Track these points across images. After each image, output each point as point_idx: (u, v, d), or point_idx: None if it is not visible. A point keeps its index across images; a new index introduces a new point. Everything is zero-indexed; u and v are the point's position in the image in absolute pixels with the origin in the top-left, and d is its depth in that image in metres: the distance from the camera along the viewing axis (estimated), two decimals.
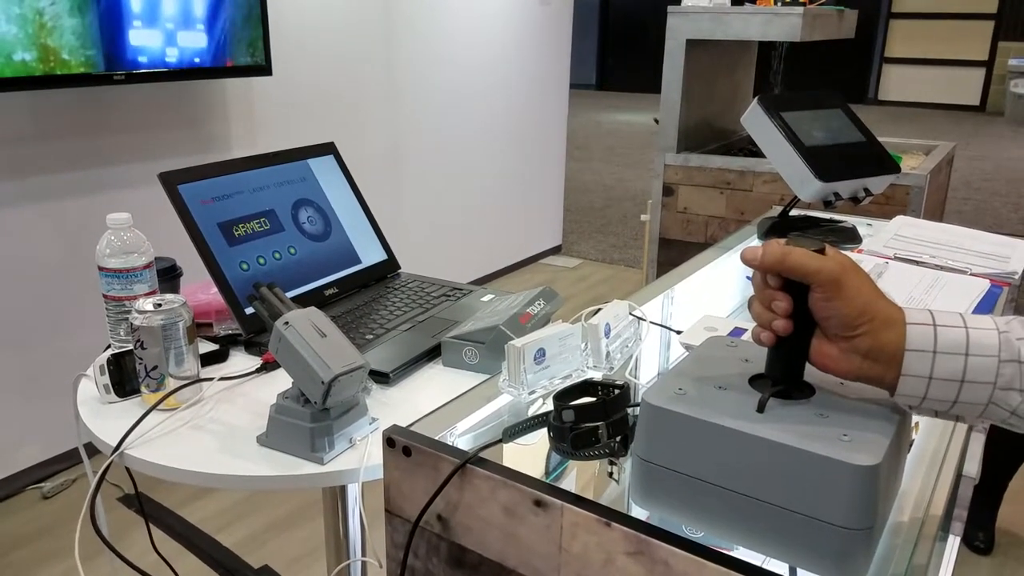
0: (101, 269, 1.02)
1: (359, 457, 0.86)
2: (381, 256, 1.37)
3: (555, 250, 4.83)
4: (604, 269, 4.63)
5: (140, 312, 0.91)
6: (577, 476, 0.86)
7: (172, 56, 2.27)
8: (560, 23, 4.44)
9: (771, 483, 0.57)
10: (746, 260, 0.60)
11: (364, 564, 1.17)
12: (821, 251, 0.59)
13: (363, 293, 1.29)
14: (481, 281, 4.06)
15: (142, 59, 2.20)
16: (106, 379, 0.95)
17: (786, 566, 0.59)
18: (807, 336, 0.61)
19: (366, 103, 3.25)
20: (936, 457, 0.77)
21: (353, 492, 1.13)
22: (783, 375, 0.62)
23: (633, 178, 7.25)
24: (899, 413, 0.61)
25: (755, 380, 0.64)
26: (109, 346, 1.06)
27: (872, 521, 0.55)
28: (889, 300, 0.61)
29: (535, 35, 4.22)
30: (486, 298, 1.26)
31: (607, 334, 0.92)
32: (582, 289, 4.21)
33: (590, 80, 13.94)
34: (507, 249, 4.38)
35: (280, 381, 0.97)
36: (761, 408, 0.59)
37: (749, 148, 2.93)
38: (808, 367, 0.62)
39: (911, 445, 0.72)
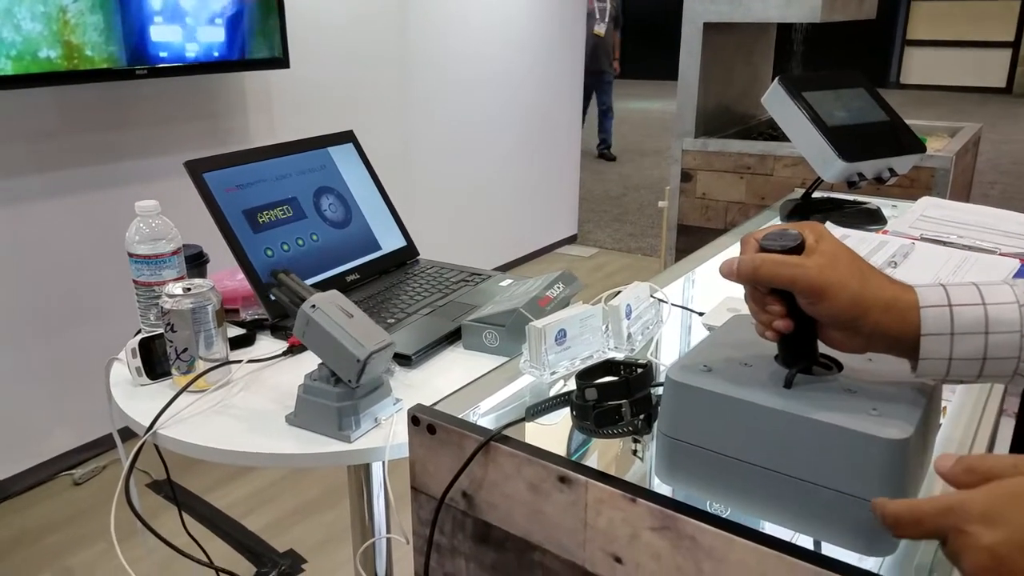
0: (131, 255, 1.04)
1: (384, 436, 0.87)
2: (400, 243, 1.38)
3: (571, 239, 4.83)
4: (621, 258, 4.62)
5: (170, 296, 0.93)
6: (598, 458, 0.86)
7: (192, 51, 2.29)
8: (575, 11, 4.41)
9: (799, 458, 0.56)
10: (724, 274, 0.60)
11: (389, 541, 1.19)
12: (799, 247, 0.58)
13: (383, 279, 1.30)
14: (496, 271, 4.07)
15: (163, 54, 2.22)
16: (138, 362, 0.97)
17: (813, 540, 0.59)
18: (811, 327, 0.60)
19: (382, 94, 3.26)
20: (964, 442, 0.76)
21: (377, 472, 1.14)
22: (796, 363, 0.61)
23: (650, 166, 7.22)
24: (929, 387, 0.60)
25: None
26: (139, 331, 1.08)
27: (902, 496, 0.55)
28: (884, 279, 0.59)
29: (549, 23, 4.20)
30: (505, 283, 1.27)
31: (628, 315, 0.92)
32: (599, 278, 4.20)
33: None
34: (522, 239, 4.38)
35: (305, 363, 0.98)
36: (788, 384, 0.59)
37: (769, 132, 2.91)
38: None
39: (938, 429, 0.71)
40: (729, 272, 0.59)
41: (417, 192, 3.50)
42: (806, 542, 0.59)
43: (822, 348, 0.62)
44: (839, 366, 0.63)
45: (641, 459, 0.74)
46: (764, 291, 0.60)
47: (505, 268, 4.18)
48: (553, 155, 4.47)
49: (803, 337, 0.60)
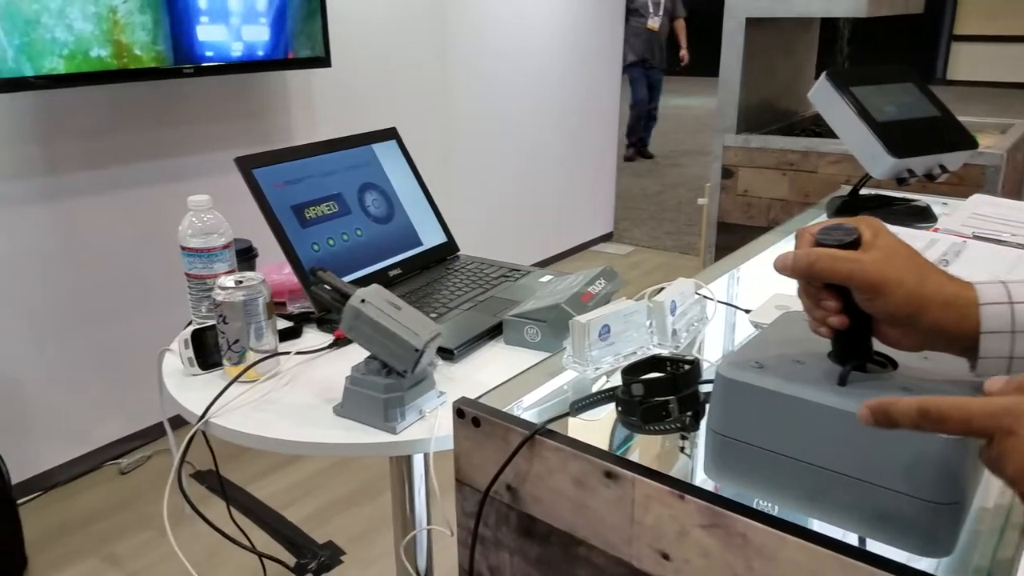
0: (184, 249, 1.06)
1: (429, 428, 0.88)
2: (441, 238, 1.39)
3: (606, 237, 4.81)
4: (658, 256, 4.59)
5: (223, 288, 0.95)
6: (640, 455, 0.86)
7: (237, 50, 2.33)
8: (613, 6, 4.39)
9: (854, 456, 0.56)
10: (778, 269, 0.59)
11: (431, 533, 1.20)
12: (855, 242, 0.57)
13: (425, 274, 1.31)
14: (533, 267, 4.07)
15: (209, 53, 2.27)
16: (190, 352, 0.99)
17: (867, 540, 0.58)
18: (866, 323, 0.59)
19: (421, 92, 3.28)
20: None
21: (419, 464, 1.15)
22: (852, 355, 0.61)
23: (688, 163, 7.15)
24: None
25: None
26: (190, 322, 1.10)
27: (961, 496, 0.54)
28: (943, 275, 0.58)
29: (587, 20, 4.19)
30: (545, 278, 1.27)
31: (673, 312, 0.91)
32: (636, 276, 4.18)
33: None
34: (558, 236, 4.38)
35: (351, 356, 0.99)
36: (843, 381, 0.58)
37: (812, 128, 2.86)
38: None
39: None
40: (784, 266, 0.59)
41: (453, 188, 3.52)
42: (855, 540, 0.58)
43: (877, 346, 0.61)
44: (894, 364, 0.62)
45: (689, 456, 0.74)
46: (819, 286, 0.59)
47: (541, 265, 4.18)
48: (590, 152, 4.45)
49: (858, 334, 0.59)
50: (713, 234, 2.74)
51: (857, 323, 0.58)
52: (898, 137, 1.32)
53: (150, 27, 2.12)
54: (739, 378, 0.60)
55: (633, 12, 6.22)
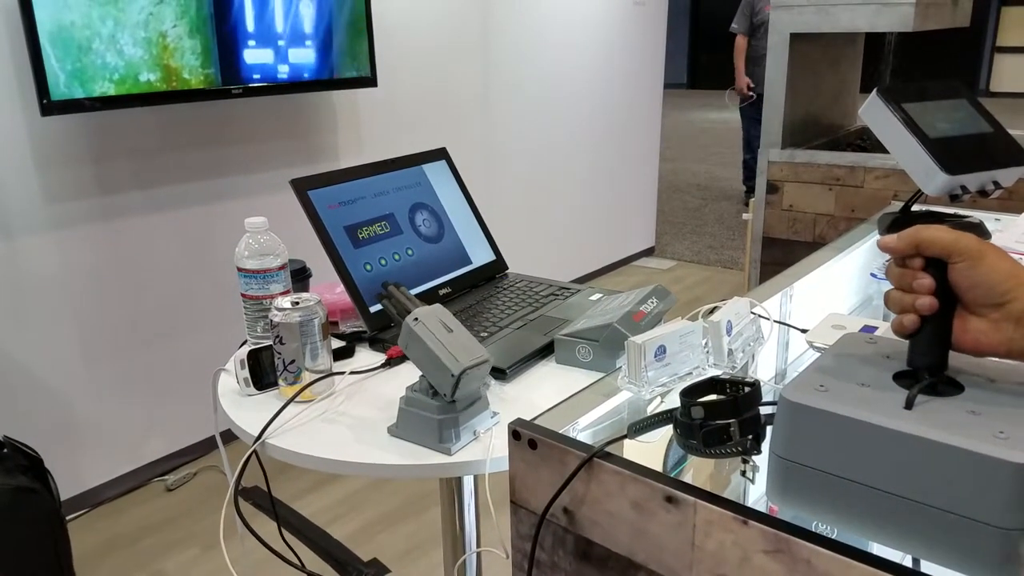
0: (240, 270, 1.08)
1: (483, 449, 0.88)
2: (490, 257, 1.40)
3: (648, 252, 4.78)
4: (700, 271, 4.55)
5: (279, 309, 0.97)
6: (694, 477, 0.85)
7: (283, 72, 2.39)
8: (655, 23, 4.40)
9: (921, 481, 0.55)
10: (883, 245, 0.62)
11: (480, 555, 1.20)
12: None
13: (474, 292, 1.32)
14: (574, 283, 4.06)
15: (256, 76, 2.32)
16: (246, 372, 1.01)
17: (936, 567, 0.57)
18: (949, 318, 0.60)
19: (464, 110, 3.31)
20: None
21: (468, 484, 1.16)
22: (929, 363, 0.61)
23: (728, 177, 7.10)
24: None
25: (899, 377, 0.62)
26: (245, 342, 1.12)
27: None
28: None
29: (629, 36, 4.19)
30: (594, 296, 1.27)
31: (728, 332, 0.91)
32: (679, 291, 4.15)
33: (681, 79, 13.72)
34: (599, 251, 4.37)
35: (404, 375, 1.00)
36: (910, 404, 0.57)
37: (858, 143, 2.82)
38: (954, 356, 0.61)
39: None
40: (888, 242, 0.61)
41: (495, 203, 3.54)
42: (926, 567, 0.57)
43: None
44: (960, 388, 0.61)
45: (752, 481, 0.73)
46: (916, 266, 0.60)
47: (582, 280, 4.17)
48: (631, 167, 4.45)
49: (938, 335, 0.60)
50: (758, 249, 2.71)
51: (941, 316, 0.59)
52: (951, 154, 1.29)
53: (199, 51, 2.18)
54: (804, 402, 0.59)
55: (757, 29, 5.17)
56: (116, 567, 2.10)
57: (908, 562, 0.56)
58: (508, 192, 3.63)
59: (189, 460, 2.56)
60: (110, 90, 2.03)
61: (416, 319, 0.86)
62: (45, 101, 1.92)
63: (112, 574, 2.07)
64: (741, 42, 5.39)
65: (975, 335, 0.59)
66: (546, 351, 1.10)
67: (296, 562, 1.12)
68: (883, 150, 1.42)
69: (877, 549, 0.57)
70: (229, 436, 1.01)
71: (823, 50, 2.86)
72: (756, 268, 2.69)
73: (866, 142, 2.78)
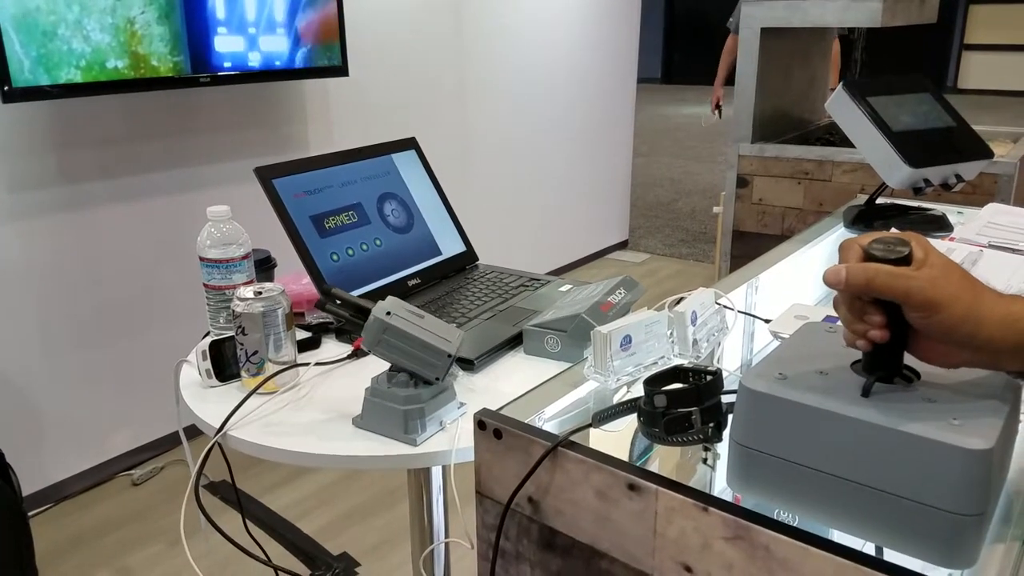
0: (202, 259, 1.07)
1: (449, 439, 0.88)
2: (460, 248, 1.39)
3: (621, 245, 4.81)
4: (672, 264, 4.58)
5: (241, 299, 0.95)
6: (660, 465, 0.85)
7: (254, 60, 2.36)
8: (629, 17, 4.40)
9: (878, 468, 0.56)
10: (829, 283, 0.58)
11: (448, 545, 1.20)
12: (907, 257, 0.57)
13: (444, 283, 1.32)
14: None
15: (227, 64, 2.29)
16: (208, 364, 1.00)
17: (884, 550, 0.58)
18: (904, 339, 0.59)
19: (438, 101, 3.30)
20: None
21: (436, 475, 1.15)
22: (882, 376, 0.60)
23: (701, 171, 7.15)
24: (1009, 397, 0.59)
25: (857, 365, 0.63)
26: (208, 333, 1.11)
27: (984, 507, 0.54)
28: (994, 292, 0.57)
29: (603, 29, 4.20)
30: (564, 288, 1.27)
31: (693, 322, 0.91)
32: (651, 284, 4.18)
33: (655, 73, 13.78)
34: (573, 244, 4.38)
35: (370, 366, 0.99)
36: (867, 392, 0.58)
37: (826, 137, 2.85)
38: None
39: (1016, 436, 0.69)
40: (837, 280, 0.57)
41: (469, 196, 3.53)
42: (882, 554, 0.58)
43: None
44: (917, 375, 0.62)
45: (712, 468, 0.74)
46: (866, 300, 0.58)
47: (555, 273, 4.18)
48: (605, 161, 4.46)
49: (893, 348, 0.59)
50: (728, 243, 2.74)
51: (895, 338, 0.58)
52: (915, 147, 1.32)
53: (168, 38, 2.14)
54: (763, 389, 0.60)
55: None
56: (80, 563, 2.07)
57: (869, 548, 0.57)
58: (482, 185, 3.62)
59: (156, 454, 2.53)
60: (76, 77, 1.99)
61: (388, 312, 0.85)
62: (7, 88, 1.88)
63: (76, 570, 2.04)
64: (732, 42, 5.31)
65: (932, 355, 0.58)
66: (515, 342, 1.10)
67: (262, 556, 1.11)
68: (851, 145, 1.44)
69: (836, 536, 0.58)
70: (196, 431, 0.99)
71: (794, 45, 2.89)
72: (727, 261, 2.72)
73: (835, 136, 2.82)
